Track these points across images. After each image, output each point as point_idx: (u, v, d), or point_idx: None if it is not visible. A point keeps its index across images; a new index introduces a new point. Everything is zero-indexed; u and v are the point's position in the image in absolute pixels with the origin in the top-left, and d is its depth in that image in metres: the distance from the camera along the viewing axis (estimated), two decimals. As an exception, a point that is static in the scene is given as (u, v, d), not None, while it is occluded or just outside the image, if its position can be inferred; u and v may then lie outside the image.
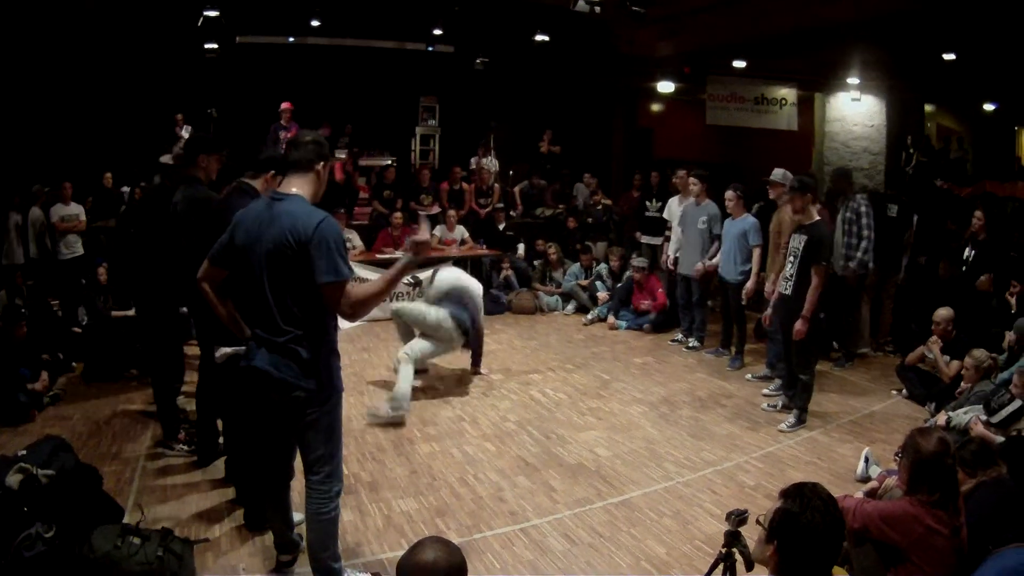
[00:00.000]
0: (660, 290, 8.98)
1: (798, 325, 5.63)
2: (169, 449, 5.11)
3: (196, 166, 4.71)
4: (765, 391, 6.65)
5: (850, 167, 11.63)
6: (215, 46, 11.17)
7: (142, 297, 5.48)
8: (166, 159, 5.79)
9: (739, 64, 11.76)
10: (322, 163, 3.23)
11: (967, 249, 7.32)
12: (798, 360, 5.85)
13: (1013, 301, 6.69)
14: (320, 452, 3.25)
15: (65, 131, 10.78)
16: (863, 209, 7.41)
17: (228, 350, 3.87)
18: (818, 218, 5.80)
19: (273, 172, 4.18)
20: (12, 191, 9.21)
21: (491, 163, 12.50)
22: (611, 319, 9.22)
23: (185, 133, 10.56)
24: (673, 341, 8.45)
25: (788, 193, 6.08)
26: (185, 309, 5.11)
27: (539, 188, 12.67)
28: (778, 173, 6.98)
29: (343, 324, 5.87)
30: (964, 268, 7.29)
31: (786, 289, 5.85)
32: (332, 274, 2.95)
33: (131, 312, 7.06)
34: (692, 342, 8.24)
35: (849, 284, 7.56)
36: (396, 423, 5.78)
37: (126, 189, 10.33)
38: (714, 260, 7.70)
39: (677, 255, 8.29)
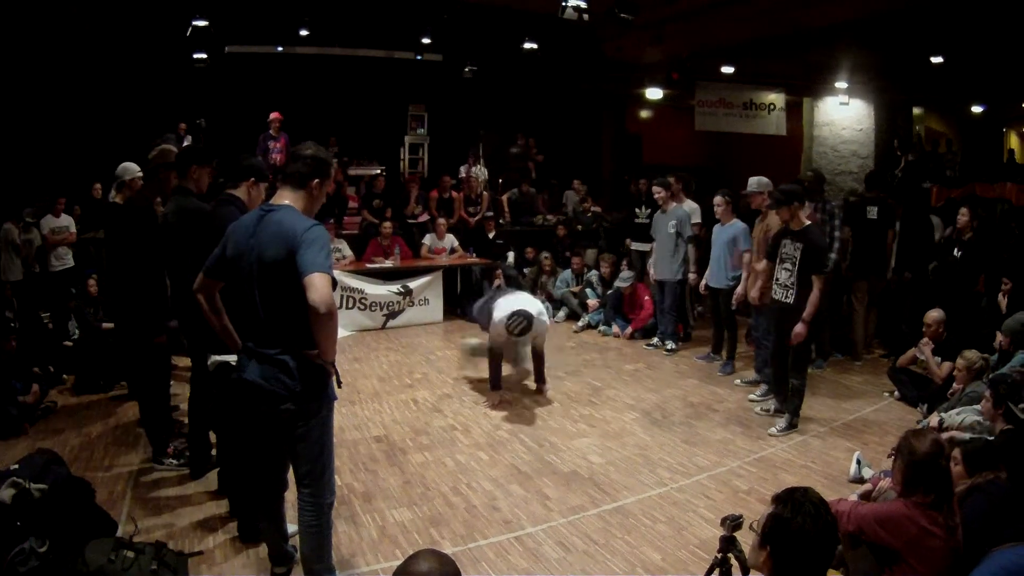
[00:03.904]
0: (647, 298, 8.98)
1: (798, 329, 5.57)
2: (159, 464, 5.07)
3: (188, 177, 4.66)
4: (752, 396, 6.64)
5: (838, 171, 11.70)
6: (204, 56, 11.15)
7: (125, 311, 5.33)
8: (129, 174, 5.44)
9: (727, 69, 11.80)
10: (317, 180, 3.22)
11: (955, 250, 7.36)
12: (794, 363, 5.80)
13: (1003, 303, 6.72)
14: (312, 464, 3.24)
15: (53, 142, 10.74)
16: (836, 211, 7.44)
17: (218, 358, 3.87)
18: (808, 223, 5.79)
19: (253, 179, 4.18)
20: (3, 205, 9.16)
21: (480, 171, 12.51)
22: (602, 327, 9.24)
23: (188, 142, 10.55)
24: (648, 346, 8.53)
25: (773, 206, 6.03)
26: (175, 323, 5.06)
27: (529, 196, 12.68)
28: (753, 182, 6.95)
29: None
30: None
31: (786, 297, 5.77)
32: (316, 266, 2.90)
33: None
34: (669, 344, 8.30)
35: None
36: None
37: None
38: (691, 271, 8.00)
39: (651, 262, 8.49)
